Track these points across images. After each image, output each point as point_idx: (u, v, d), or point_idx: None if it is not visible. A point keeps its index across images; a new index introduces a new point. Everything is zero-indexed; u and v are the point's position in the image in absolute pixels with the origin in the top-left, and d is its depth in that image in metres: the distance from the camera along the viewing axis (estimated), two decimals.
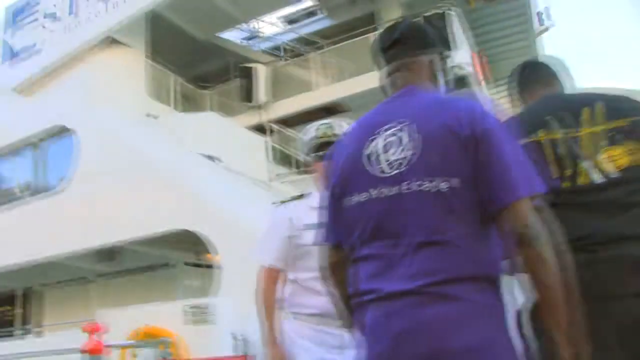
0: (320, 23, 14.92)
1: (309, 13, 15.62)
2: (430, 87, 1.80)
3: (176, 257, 10.87)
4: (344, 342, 2.67)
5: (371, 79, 10.88)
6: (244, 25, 15.59)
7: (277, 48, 14.91)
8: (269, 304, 2.80)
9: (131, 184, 9.38)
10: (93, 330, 4.66)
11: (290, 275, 2.87)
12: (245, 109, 12.56)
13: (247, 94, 12.19)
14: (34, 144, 11.79)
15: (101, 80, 10.95)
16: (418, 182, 1.54)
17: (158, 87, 12.27)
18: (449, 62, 10.23)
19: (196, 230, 8.26)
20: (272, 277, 2.84)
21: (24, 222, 10.94)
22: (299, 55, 13.34)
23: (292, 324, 2.82)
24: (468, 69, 10.38)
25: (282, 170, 11.66)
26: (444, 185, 1.52)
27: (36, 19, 12.24)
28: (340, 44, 12.42)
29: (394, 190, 1.57)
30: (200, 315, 6.04)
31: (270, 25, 16.08)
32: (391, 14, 12.35)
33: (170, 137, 10.03)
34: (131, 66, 11.32)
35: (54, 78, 11.64)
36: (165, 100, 12.22)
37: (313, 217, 2.70)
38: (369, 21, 12.60)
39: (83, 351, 4.65)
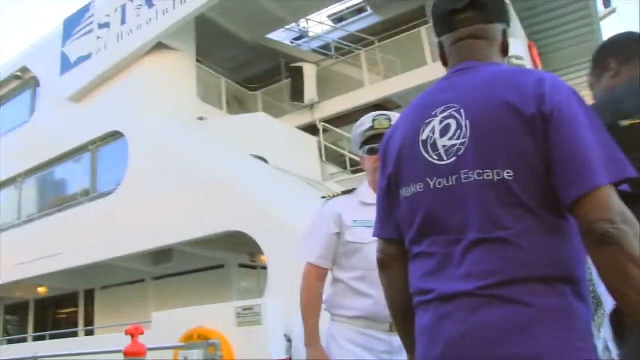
0: (369, 20, 14.80)
1: (357, 10, 15.52)
2: (500, 60, 1.62)
3: (231, 259, 10.94)
4: (393, 347, 2.54)
5: (421, 75, 10.76)
6: (293, 26, 15.62)
7: (326, 47, 14.85)
8: (314, 303, 2.70)
9: (183, 186, 9.45)
10: (135, 332, 4.67)
11: (336, 275, 2.75)
12: (295, 109, 12.53)
13: (297, 94, 12.14)
14: (90, 150, 12.06)
15: (152, 85, 11.11)
16: (477, 171, 1.38)
17: (208, 90, 12.37)
18: None
19: (247, 231, 8.25)
20: (317, 274, 2.74)
21: (83, 225, 11.20)
22: (348, 53, 13.23)
23: (337, 327, 2.68)
24: (524, 60, 9.98)
25: (335, 169, 11.57)
26: (507, 173, 1.34)
27: (91, 30, 12.51)
28: (389, 40, 12.24)
29: (452, 180, 1.42)
30: (250, 317, 6.01)
31: (319, 25, 16.04)
32: None
33: (221, 139, 10.09)
34: (181, 70, 11.44)
35: (107, 85, 11.86)
36: (216, 103, 12.30)
37: (363, 214, 2.68)
38: (418, 15, 12.37)
39: (126, 354, 4.66)
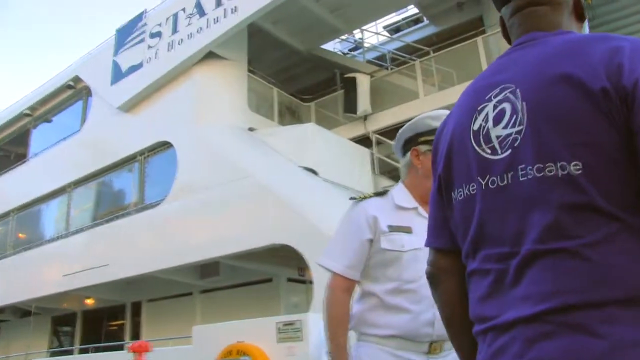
0: (425, 30, 14.53)
1: (414, 20, 15.21)
2: (573, 27, 1.33)
3: (280, 273, 10.66)
4: None
5: None
6: (348, 37, 15.41)
7: (381, 58, 14.55)
8: (342, 319, 2.30)
9: (230, 198, 9.30)
10: (139, 350, 4.42)
11: (366, 288, 2.36)
12: (348, 120, 12.22)
13: (350, 105, 11.81)
14: (138, 160, 12.01)
15: (202, 95, 10.99)
16: (537, 165, 1.09)
17: (260, 101, 12.20)
18: None
19: (294, 245, 7.97)
20: (345, 287, 2.34)
21: (130, 237, 11.16)
22: (402, 64, 12.86)
23: (366, 348, 2.29)
24: None
25: (388, 182, 11.16)
26: (575, 166, 1.04)
27: (143, 40, 12.50)
28: (445, 50, 11.84)
29: (507, 178, 1.14)
30: (291, 332, 5.76)
31: (375, 35, 15.76)
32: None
33: (270, 150, 9.86)
34: (232, 80, 11.26)
35: (157, 95, 11.79)
36: (267, 114, 12.11)
37: (400, 218, 2.34)
38: (475, 25, 11.98)
39: None
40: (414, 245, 2.25)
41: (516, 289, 1.09)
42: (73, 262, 12.18)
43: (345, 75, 12.23)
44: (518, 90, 1.16)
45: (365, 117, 11.84)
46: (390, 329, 2.24)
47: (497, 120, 1.18)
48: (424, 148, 2.40)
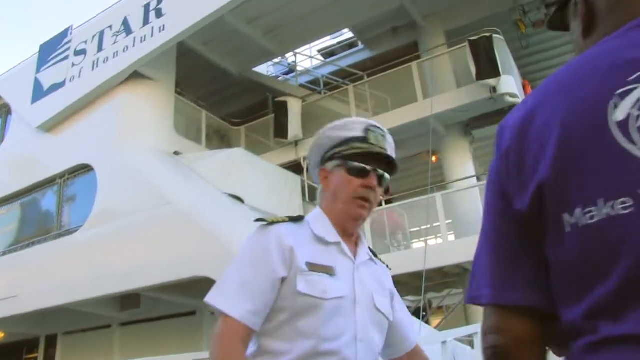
0: (360, 55, 14.41)
1: (348, 45, 15.08)
2: None
3: (203, 306, 10.12)
4: None
5: (412, 112, 10.17)
6: (282, 60, 15.15)
7: (315, 82, 14.31)
8: None
9: (151, 225, 8.85)
10: None
11: (266, 344, 1.65)
12: (279, 145, 11.86)
13: (281, 130, 11.47)
14: (57, 183, 11.36)
15: (125, 116, 10.46)
16: None
17: (188, 124, 11.74)
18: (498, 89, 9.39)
19: (215, 277, 7.50)
20: (242, 337, 1.59)
21: (44, 265, 10.46)
22: (336, 88, 12.65)
23: None
24: (518, 99, 9.47)
25: None
26: None
27: (67, 57, 11.88)
28: (379, 75, 11.67)
29: None
30: None
31: (309, 59, 15.56)
32: (435, 41, 11.66)
33: (196, 175, 9.41)
34: (158, 102, 10.76)
35: (80, 115, 11.19)
36: (195, 138, 11.65)
37: (319, 254, 1.72)
38: (410, 50, 11.88)
39: None
40: (338, 293, 1.66)
41: None
42: None
43: (276, 99, 11.91)
44: None
45: (296, 143, 11.52)
46: None
47: None
48: (331, 165, 1.82)
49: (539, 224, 0.90)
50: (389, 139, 1.86)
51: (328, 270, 1.68)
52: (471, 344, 6.23)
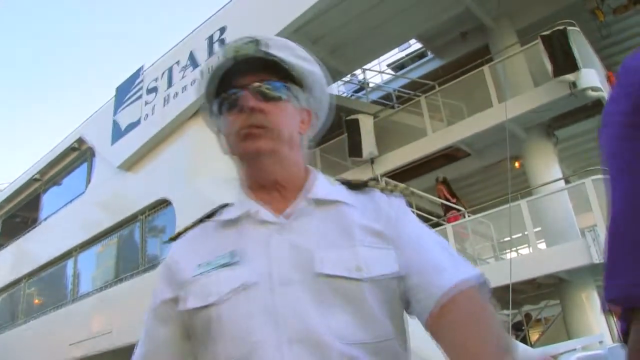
0: (430, 65, 14.04)
1: (418, 56, 14.74)
2: None
3: None
4: None
5: (488, 117, 9.74)
6: (352, 78, 15.00)
7: (387, 97, 14.06)
8: None
9: None
10: None
11: None
12: (355, 164, 11.66)
13: (355, 148, 11.27)
14: (139, 220, 11.60)
15: (199, 147, 10.48)
16: None
17: None
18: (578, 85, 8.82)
19: None
20: None
21: (135, 299, 10.59)
22: (407, 101, 12.34)
23: None
24: (602, 92, 8.85)
25: None
26: None
27: (140, 96, 12.19)
28: (451, 83, 11.28)
29: None
30: None
31: (379, 74, 15.33)
32: (506, 42, 11.16)
33: None
34: None
35: (156, 151, 11.40)
36: None
37: (216, 245, 1.21)
38: (481, 54, 11.43)
39: None
40: (230, 285, 1.11)
41: None
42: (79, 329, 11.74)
43: (347, 118, 11.72)
44: None
45: (372, 160, 11.29)
46: None
47: None
48: (226, 110, 1.24)
49: None
50: (261, 40, 1.21)
51: (225, 261, 1.15)
52: None
